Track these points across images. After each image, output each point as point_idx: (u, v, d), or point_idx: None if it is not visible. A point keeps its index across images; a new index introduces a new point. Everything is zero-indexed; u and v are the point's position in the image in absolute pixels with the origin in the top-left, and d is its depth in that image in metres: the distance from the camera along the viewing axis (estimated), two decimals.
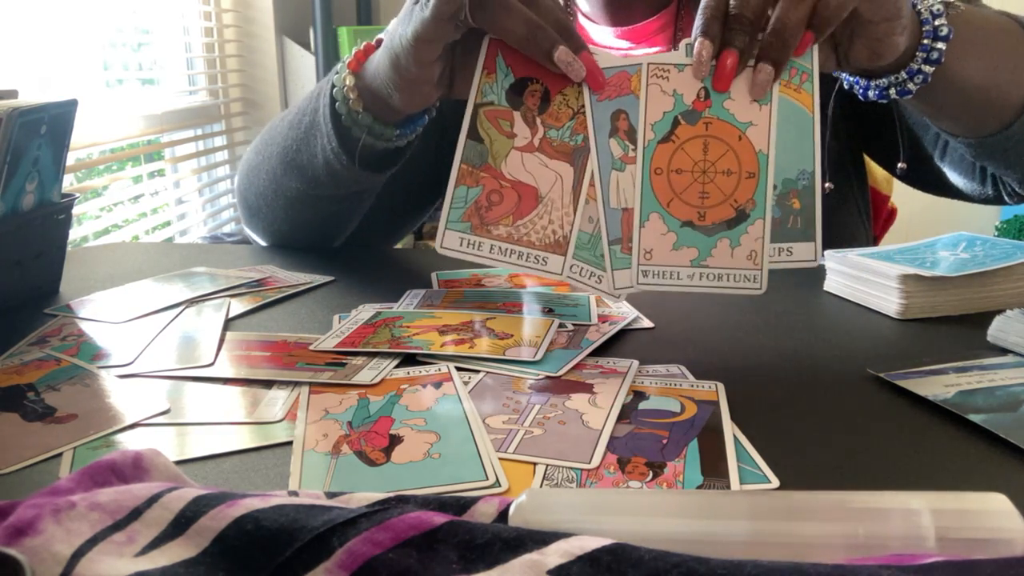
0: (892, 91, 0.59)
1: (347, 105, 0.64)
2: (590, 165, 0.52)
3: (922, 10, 0.57)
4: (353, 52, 0.65)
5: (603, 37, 0.88)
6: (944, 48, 0.56)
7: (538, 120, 0.53)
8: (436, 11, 0.53)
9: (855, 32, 0.54)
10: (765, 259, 0.51)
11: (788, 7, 0.49)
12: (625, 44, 0.85)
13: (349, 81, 0.64)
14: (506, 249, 0.53)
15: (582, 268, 0.53)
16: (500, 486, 0.37)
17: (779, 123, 0.50)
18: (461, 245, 0.54)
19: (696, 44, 0.50)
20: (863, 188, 0.92)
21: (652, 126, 0.51)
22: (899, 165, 0.76)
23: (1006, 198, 0.77)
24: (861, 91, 0.61)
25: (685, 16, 0.83)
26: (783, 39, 0.49)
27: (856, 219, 0.90)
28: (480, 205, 0.53)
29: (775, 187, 0.51)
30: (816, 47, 0.51)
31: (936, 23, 0.57)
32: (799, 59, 0.51)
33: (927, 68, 0.57)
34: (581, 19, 0.90)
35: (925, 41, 0.57)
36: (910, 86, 0.58)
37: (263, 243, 0.86)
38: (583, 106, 0.53)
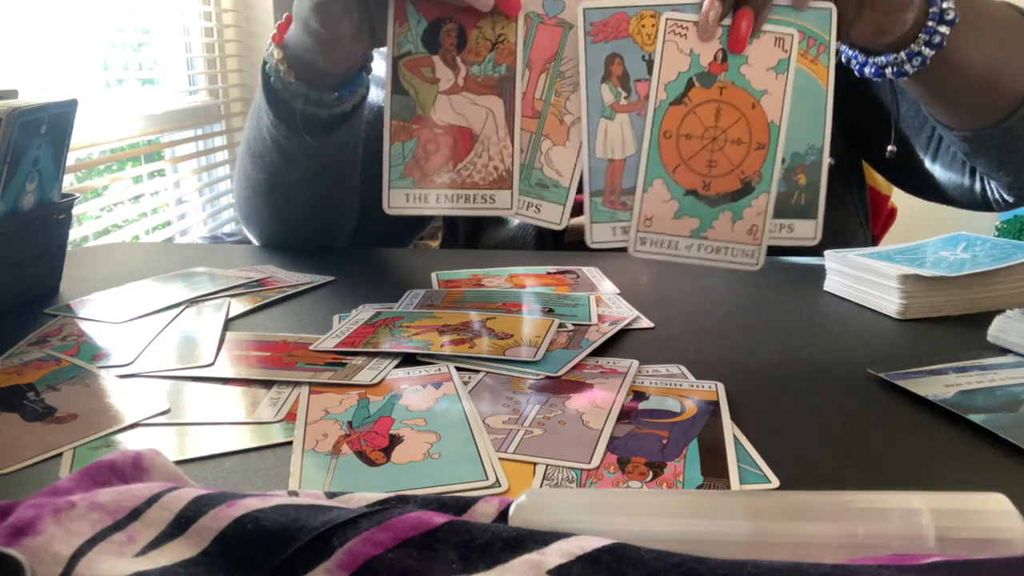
0: (889, 71, 0.58)
1: (280, 78, 0.65)
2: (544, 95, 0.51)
3: None
4: (277, 25, 0.65)
5: None
6: (947, 32, 0.55)
7: (458, 59, 0.52)
8: None
9: (864, 3, 0.52)
10: (765, 235, 0.50)
11: None
12: None
13: (277, 54, 0.64)
14: (452, 195, 0.53)
15: (521, 200, 0.53)
16: (500, 486, 0.37)
17: (793, 94, 0.49)
18: (408, 201, 0.53)
19: (705, 3, 0.48)
20: (861, 189, 0.92)
21: (666, 86, 0.49)
22: (889, 148, 0.75)
23: (994, 205, 0.77)
24: (858, 67, 0.60)
25: None
26: None
27: (854, 220, 0.90)
28: (418, 157, 0.53)
29: (783, 161, 0.49)
30: (835, 14, 0.49)
31: (944, 5, 0.55)
32: (817, 28, 0.49)
33: (927, 51, 0.56)
34: None
35: (930, 23, 0.56)
36: (907, 67, 0.57)
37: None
38: (501, 35, 0.51)
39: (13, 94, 0.64)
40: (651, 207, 0.50)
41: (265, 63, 0.66)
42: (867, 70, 0.59)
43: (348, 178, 0.78)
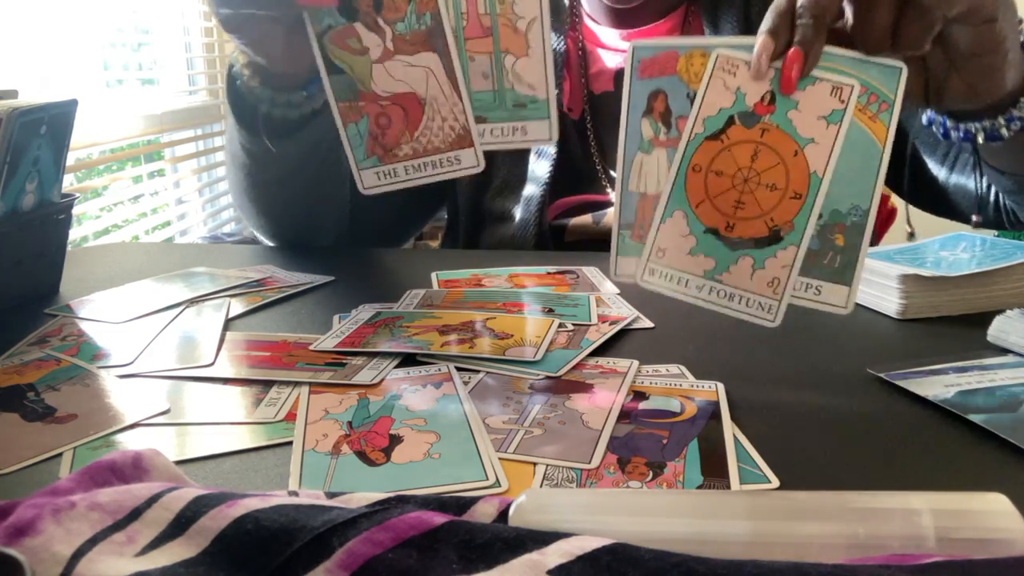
0: (980, 136, 0.53)
1: (245, 82, 0.63)
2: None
3: None
4: None
5: (609, 39, 0.88)
6: None
7: (380, 21, 0.49)
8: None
9: (954, 63, 0.48)
10: (787, 291, 0.47)
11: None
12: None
13: (241, 58, 0.62)
14: (419, 164, 0.51)
15: (493, 128, 0.50)
16: (500, 486, 0.37)
17: (843, 148, 0.46)
18: (380, 180, 0.52)
19: (758, 42, 0.45)
20: None
21: (704, 120, 0.47)
22: (974, 218, 0.71)
23: (1007, 225, 0.77)
24: (941, 131, 0.55)
25: (693, 21, 0.82)
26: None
27: None
28: (374, 134, 0.51)
29: (820, 216, 0.46)
30: (905, 75, 0.45)
31: None
32: (882, 84, 0.46)
33: None
34: (586, 20, 0.90)
35: None
36: (1004, 132, 0.52)
37: (269, 243, 0.86)
38: None
39: (13, 94, 0.64)
40: (666, 238, 0.48)
41: (231, 66, 0.64)
42: (954, 134, 0.54)
43: (330, 173, 0.77)
